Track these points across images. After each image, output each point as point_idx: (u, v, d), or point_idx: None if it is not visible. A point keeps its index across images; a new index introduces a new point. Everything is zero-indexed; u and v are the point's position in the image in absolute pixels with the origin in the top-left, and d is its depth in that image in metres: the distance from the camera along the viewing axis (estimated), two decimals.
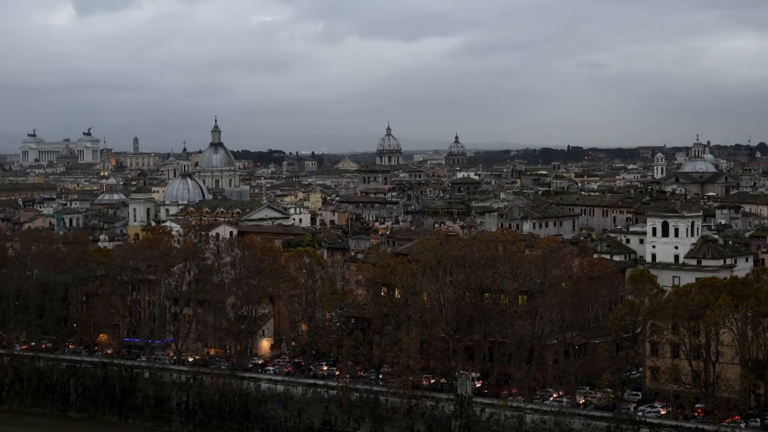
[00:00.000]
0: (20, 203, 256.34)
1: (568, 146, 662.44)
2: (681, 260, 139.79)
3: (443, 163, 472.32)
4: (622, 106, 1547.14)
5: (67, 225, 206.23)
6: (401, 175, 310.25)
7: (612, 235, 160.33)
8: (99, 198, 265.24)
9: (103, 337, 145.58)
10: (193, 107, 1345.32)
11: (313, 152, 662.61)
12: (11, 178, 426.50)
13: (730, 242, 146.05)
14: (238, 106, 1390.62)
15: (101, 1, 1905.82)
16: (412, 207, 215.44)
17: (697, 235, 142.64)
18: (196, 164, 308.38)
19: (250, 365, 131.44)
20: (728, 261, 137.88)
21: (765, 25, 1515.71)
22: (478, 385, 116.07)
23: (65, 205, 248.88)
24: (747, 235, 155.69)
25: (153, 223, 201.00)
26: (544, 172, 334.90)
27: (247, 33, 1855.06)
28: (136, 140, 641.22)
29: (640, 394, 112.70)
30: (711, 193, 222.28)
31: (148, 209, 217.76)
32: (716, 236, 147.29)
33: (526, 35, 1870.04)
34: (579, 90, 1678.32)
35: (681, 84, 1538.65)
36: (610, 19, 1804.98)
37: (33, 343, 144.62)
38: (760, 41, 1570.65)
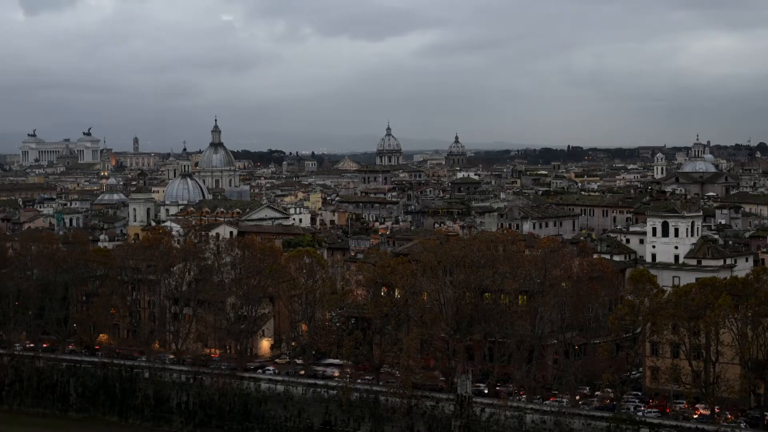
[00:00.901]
0: (20, 203, 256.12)
1: (568, 146, 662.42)
2: (681, 260, 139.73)
3: (443, 163, 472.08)
4: (598, 106, 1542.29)
5: (67, 225, 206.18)
6: (401, 175, 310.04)
7: (612, 235, 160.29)
8: (99, 198, 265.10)
9: (103, 337, 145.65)
10: (159, 108, 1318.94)
11: (313, 152, 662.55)
12: (11, 178, 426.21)
13: (730, 242, 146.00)
14: (206, 106, 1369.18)
15: (47, 1, 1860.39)
16: (412, 207, 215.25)
17: (697, 235, 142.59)
18: (196, 164, 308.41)
19: (251, 366, 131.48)
20: (728, 261, 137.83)
21: (739, 25, 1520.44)
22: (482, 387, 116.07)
23: (65, 205, 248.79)
24: (747, 235, 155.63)
25: (153, 223, 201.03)
26: (544, 172, 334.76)
27: (204, 32, 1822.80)
28: (136, 140, 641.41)
29: (640, 394, 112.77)
30: (711, 193, 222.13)
31: (148, 209, 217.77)
32: (716, 236, 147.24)
33: (494, 34, 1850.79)
34: (556, 89, 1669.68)
35: (657, 83, 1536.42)
36: (583, 18, 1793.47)
37: (32, 345, 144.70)
38: (736, 41, 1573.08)
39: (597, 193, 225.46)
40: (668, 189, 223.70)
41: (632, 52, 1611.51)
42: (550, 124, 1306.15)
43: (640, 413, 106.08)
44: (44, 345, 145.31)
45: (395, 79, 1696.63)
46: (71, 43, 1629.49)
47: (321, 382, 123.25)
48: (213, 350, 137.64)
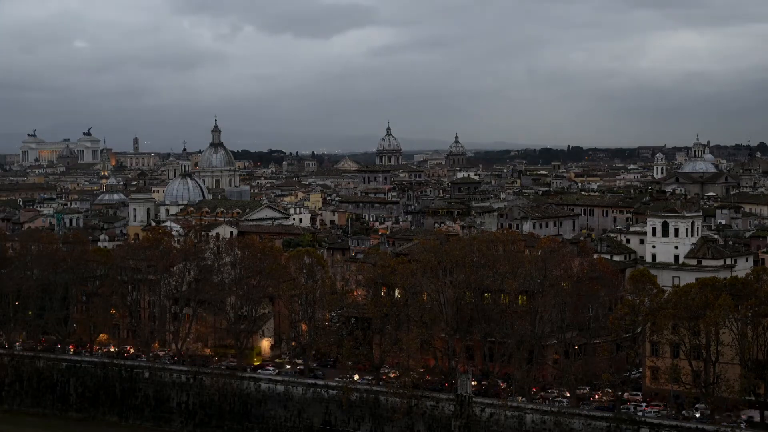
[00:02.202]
0: (20, 203, 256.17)
1: (568, 146, 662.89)
2: (681, 260, 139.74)
3: (443, 163, 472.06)
4: (563, 105, 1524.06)
5: (67, 225, 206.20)
6: (401, 175, 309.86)
7: (612, 235, 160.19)
8: (99, 198, 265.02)
9: (103, 337, 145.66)
10: (111, 109, 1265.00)
11: (313, 152, 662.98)
12: (11, 178, 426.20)
13: (730, 242, 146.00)
14: (159, 106, 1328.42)
15: None
16: (412, 207, 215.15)
17: (697, 235, 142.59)
18: (196, 164, 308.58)
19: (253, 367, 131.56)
20: (728, 261, 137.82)
21: (701, 23, 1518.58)
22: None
23: (65, 205, 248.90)
24: (747, 235, 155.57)
25: (153, 223, 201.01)
26: (544, 172, 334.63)
27: (141, 30, 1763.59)
28: (136, 140, 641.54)
29: (640, 394, 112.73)
30: (711, 193, 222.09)
31: (148, 209, 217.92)
32: (716, 236, 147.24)
33: (445, 33, 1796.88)
34: (519, 89, 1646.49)
35: (619, 83, 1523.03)
36: (546, 17, 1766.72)
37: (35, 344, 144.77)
38: (698, 38, 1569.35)
39: (597, 193, 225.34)
40: (668, 189, 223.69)
41: (597, 51, 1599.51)
42: (504, 124, 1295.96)
43: (640, 413, 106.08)
44: (42, 342, 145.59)
45: (354, 79, 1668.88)
46: (8, 41, 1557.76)
47: (321, 382, 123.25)
48: (213, 350, 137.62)
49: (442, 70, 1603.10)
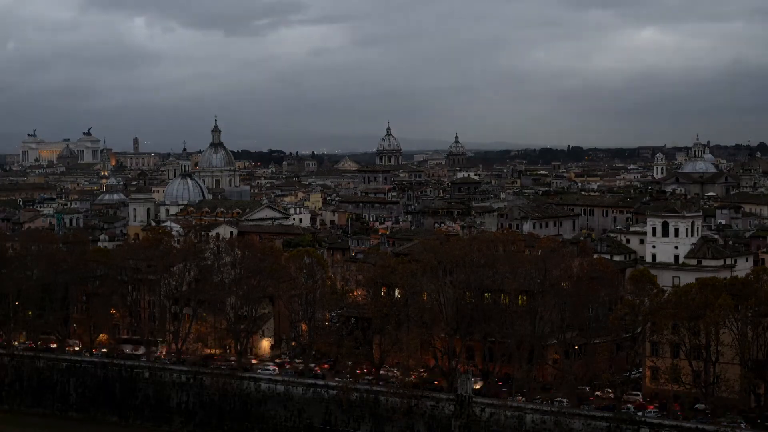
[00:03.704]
0: (20, 203, 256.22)
1: (568, 146, 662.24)
2: (681, 260, 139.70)
3: (443, 163, 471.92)
4: (523, 106, 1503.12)
5: (67, 225, 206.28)
6: (401, 175, 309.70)
7: (612, 235, 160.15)
8: (99, 198, 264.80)
9: (103, 337, 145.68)
10: (58, 109, 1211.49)
11: (313, 152, 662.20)
12: (11, 178, 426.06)
13: (730, 242, 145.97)
14: (111, 107, 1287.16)
15: None
16: (412, 207, 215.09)
17: (697, 235, 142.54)
18: (196, 164, 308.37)
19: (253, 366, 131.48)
20: (728, 261, 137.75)
21: (660, 20, 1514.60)
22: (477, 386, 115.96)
23: (65, 205, 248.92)
24: (747, 235, 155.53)
25: (153, 223, 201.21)
26: (544, 172, 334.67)
27: (64, 27, 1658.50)
28: (136, 140, 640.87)
29: (640, 394, 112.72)
30: (711, 193, 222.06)
31: (148, 209, 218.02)
32: (716, 236, 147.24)
33: (389, 31, 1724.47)
34: (482, 88, 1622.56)
35: (576, 84, 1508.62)
36: (506, 16, 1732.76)
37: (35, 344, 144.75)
38: (658, 35, 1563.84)
39: (597, 193, 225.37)
40: (668, 189, 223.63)
41: (554, 50, 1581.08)
42: (474, 124, 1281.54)
43: (640, 413, 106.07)
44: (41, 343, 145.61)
45: (303, 77, 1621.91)
46: None
47: (321, 382, 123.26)
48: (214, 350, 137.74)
49: (399, 69, 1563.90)
